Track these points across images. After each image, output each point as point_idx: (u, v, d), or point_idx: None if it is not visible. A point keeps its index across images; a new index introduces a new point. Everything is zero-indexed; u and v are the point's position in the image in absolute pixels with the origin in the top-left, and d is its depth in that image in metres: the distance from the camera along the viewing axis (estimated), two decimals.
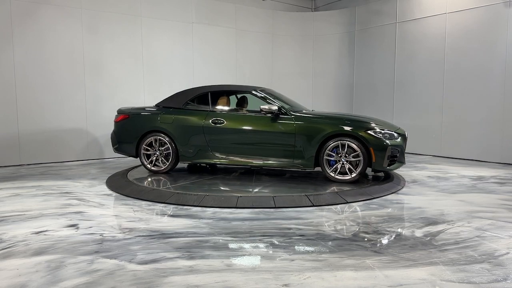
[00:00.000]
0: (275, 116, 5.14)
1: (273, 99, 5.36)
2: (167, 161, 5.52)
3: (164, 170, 5.53)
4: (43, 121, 6.95)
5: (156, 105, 5.89)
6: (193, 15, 8.51)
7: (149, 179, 5.24)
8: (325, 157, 4.96)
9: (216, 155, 5.34)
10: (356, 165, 4.89)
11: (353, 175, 4.90)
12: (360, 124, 4.99)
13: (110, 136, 6.06)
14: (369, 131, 4.88)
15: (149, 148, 5.57)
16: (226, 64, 9.09)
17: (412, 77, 8.37)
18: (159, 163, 5.56)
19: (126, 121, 5.72)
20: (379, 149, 4.83)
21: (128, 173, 5.63)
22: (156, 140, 5.53)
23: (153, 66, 8.06)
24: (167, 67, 8.23)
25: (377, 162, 4.84)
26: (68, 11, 7.06)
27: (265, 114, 5.17)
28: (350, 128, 4.90)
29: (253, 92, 5.47)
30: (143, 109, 5.87)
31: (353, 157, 4.89)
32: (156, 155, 5.55)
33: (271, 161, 5.18)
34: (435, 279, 2.38)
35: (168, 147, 5.47)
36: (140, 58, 7.90)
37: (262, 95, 5.40)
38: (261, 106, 5.15)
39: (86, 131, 7.38)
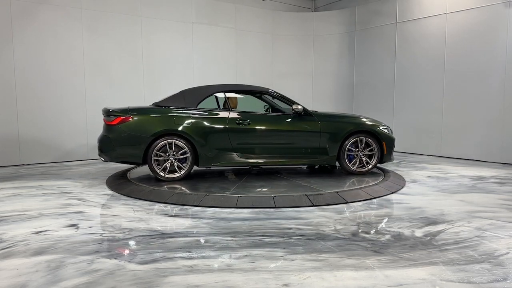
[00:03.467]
0: (298, 116, 5.35)
1: (289, 99, 5.47)
2: (183, 166, 5.03)
3: (181, 177, 5.01)
4: (43, 121, 6.95)
5: (156, 105, 5.35)
6: (193, 15, 8.51)
7: (207, 186, 4.73)
8: (346, 152, 5.40)
9: (241, 156, 5.17)
10: (370, 158, 5.51)
11: (369, 166, 5.51)
12: (374, 122, 5.65)
13: (101, 141, 5.07)
14: (381, 128, 5.58)
15: (161, 154, 4.95)
16: (226, 64, 9.09)
17: (412, 77, 8.37)
18: (174, 169, 5.01)
19: (129, 124, 4.94)
20: (389, 143, 5.56)
21: (128, 173, 5.62)
22: (171, 144, 4.96)
23: (153, 66, 8.06)
24: (167, 67, 8.23)
25: (387, 154, 5.54)
26: (68, 11, 7.06)
27: (294, 114, 5.34)
28: (368, 125, 5.51)
29: (270, 92, 5.50)
30: (147, 109, 5.22)
31: (369, 151, 5.49)
32: (170, 160, 4.97)
33: (297, 160, 5.37)
34: (435, 279, 2.38)
35: (186, 151, 4.98)
36: (140, 58, 7.90)
37: (279, 96, 5.49)
38: (293, 106, 5.30)
39: (86, 131, 7.37)
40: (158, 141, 4.93)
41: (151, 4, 7.95)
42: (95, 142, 7.38)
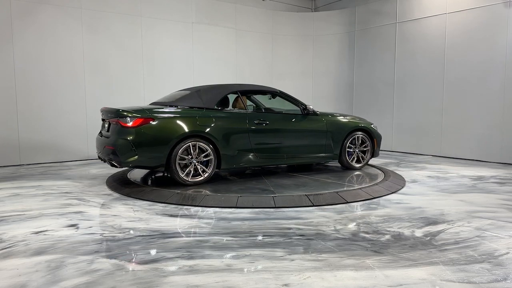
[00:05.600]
0: (307, 115, 5.60)
1: (296, 100, 5.65)
2: (206, 169, 4.82)
3: (204, 181, 4.81)
4: (43, 121, 6.95)
5: (167, 104, 5.11)
6: (193, 15, 8.51)
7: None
8: (347, 149, 5.81)
9: (260, 157, 5.18)
10: (363, 154, 6.00)
11: (364, 161, 6.00)
12: (366, 120, 6.18)
13: (117, 145, 4.54)
14: (372, 125, 6.10)
15: (184, 157, 4.70)
16: (226, 64, 9.09)
17: (412, 77, 8.37)
18: (198, 172, 4.77)
19: (152, 126, 4.58)
20: (378, 140, 6.10)
21: (128, 173, 5.62)
22: (194, 146, 4.72)
23: (153, 66, 8.06)
24: (167, 67, 8.23)
25: (377, 150, 6.09)
26: (68, 11, 7.06)
27: (305, 114, 5.58)
28: (363, 124, 5.99)
29: (279, 93, 5.64)
30: (169, 110, 4.87)
31: (363, 147, 5.96)
32: (193, 164, 4.72)
33: (307, 158, 5.61)
34: (435, 279, 2.38)
35: (209, 153, 4.79)
36: (140, 58, 7.90)
37: (289, 96, 5.64)
38: (308, 106, 5.59)
39: (86, 131, 7.37)
40: (182, 144, 4.64)
41: (151, 4, 7.94)
42: (95, 142, 7.38)
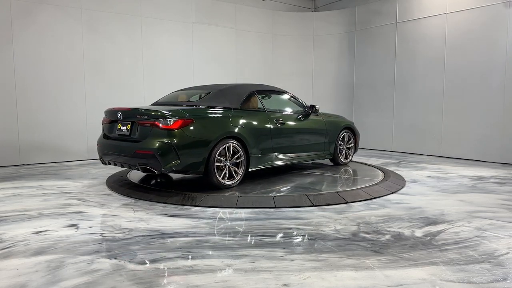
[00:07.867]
0: (309, 115, 5.82)
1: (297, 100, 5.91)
2: (238, 170, 4.73)
3: (237, 182, 4.72)
4: (42, 121, 6.94)
5: (185, 104, 5.00)
6: (193, 15, 8.51)
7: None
8: (339, 146, 6.24)
9: (279, 156, 5.30)
10: (349, 150, 6.51)
11: (350, 158, 6.54)
12: (347, 119, 6.75)
13: (158, 150, 4.15)
14: (353, 124, 6.61)
15: (221, 159, 4.53)
16: (226, 64, 9.09)
17: (412, 77, 8.37)
18: (231, 174, 4.66)
19: (193, 127, 4.34)
20: (359, 137, 6.65)
21: (128, 174, 5.62)
22: (229, 148, 4.58)
23: (153, 66, 8.06)
24: (167, 67, 8.23)
25: (357, 147, 6.64)
26: (68, 11, 7.05)
27: (309, 113, 5.82)
28: (348, 122, 6.49)
29: (285, 93, 5.88)
30: (203, 110, 4.70)
31: (349, 144, 6.46)
32: (227, 166, 4.59)
33: (311, 155, 5.88)
34: (435, 279, 2.37)
35: (241, 154, 4.69)
36: (140, 58, 7.89)
37: (293, 96, 5.87)
38: (316, 106, 5.85)
39: (86, 131, 7.37)
40: (219, 145, 4.48)
41: (150, 3, 7.94)
42: (95, 142, 7.36)
